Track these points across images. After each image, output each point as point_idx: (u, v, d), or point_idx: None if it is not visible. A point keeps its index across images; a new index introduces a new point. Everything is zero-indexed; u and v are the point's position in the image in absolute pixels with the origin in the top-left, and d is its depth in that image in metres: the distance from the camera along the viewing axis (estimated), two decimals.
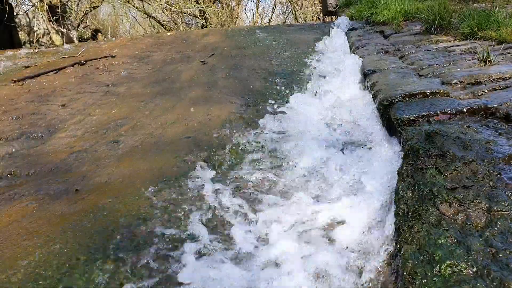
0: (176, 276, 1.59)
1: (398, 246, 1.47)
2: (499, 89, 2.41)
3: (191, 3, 13.82)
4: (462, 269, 1.25)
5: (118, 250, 1.74)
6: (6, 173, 2.71)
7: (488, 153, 1.69)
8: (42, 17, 9.39)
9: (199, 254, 1.73)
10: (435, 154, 1.76)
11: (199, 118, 3.34)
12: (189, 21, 15.57)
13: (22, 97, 4.26)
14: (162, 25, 15.08)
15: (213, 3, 14.47)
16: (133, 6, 13.75)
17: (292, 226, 1.88)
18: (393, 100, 2.53)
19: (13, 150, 3.08)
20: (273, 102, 3.55)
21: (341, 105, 3.27)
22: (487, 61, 2.89)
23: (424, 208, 1.52)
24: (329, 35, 5.66)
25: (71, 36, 10.12)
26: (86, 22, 13.11)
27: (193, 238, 1.83)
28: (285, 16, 17.80)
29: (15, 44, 8.67)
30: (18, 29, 9.35)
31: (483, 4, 4.74)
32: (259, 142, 2.78)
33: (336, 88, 3.57)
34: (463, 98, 2.41)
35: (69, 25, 10.52)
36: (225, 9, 14.85)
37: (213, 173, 2.41)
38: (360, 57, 4.09)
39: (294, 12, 16.33)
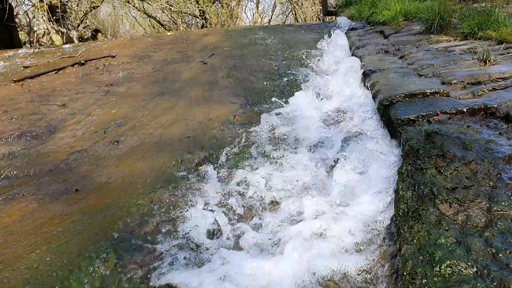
0: (176, 276, 1.59)
1: (398, 246, 1.47)
2: (499, 89, 2.41)
3: (191, 3, 13.83)
4: (462, 269, 1.25)
5: (118, 250, 1.74)
6: (6, 173, 2.71)
7: (488, 153, 1.69)
8: (42, 17, 9.40)
9: (199, 254, 1.73)
10: (435, 154, 1.76)
11: (199, 118, 3.34)
12: (189, 21, 15.57)
13: (22, 97, 4.26)
14: (162, 25, 15.09)
15: (213, 3, 14.46)
16: (133, 6, 13.76)
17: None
18: (393, 100, 2.53)
19: (13, 150, 3.08)
20: (273, 102, 3.54)
21: (341, 104, 3.27)
22: (487, 61, 2.89)
23: (424, 208, 1.52)
24: (329, 35, 5.65)
25: (71, 36, 10.12)
26: (86, 22, 13.11)
27: (193, 238, 1.83)
28: (285, 16, 17.82)
29: (15, 44, 8.67)
30: (18, 29, 9.36)
31: (483, 4, 4.74)
32: (259, 143, 2.78)
33: (336, 88, 3.56)
34: (463, 98, 2.41)
35: (69, 25, 10.52)
36: (225, 9, 14.86)
37: (213, 173, 2.41)
38: (360, 57, 4.09)
39: (294, 12, 16.35)
